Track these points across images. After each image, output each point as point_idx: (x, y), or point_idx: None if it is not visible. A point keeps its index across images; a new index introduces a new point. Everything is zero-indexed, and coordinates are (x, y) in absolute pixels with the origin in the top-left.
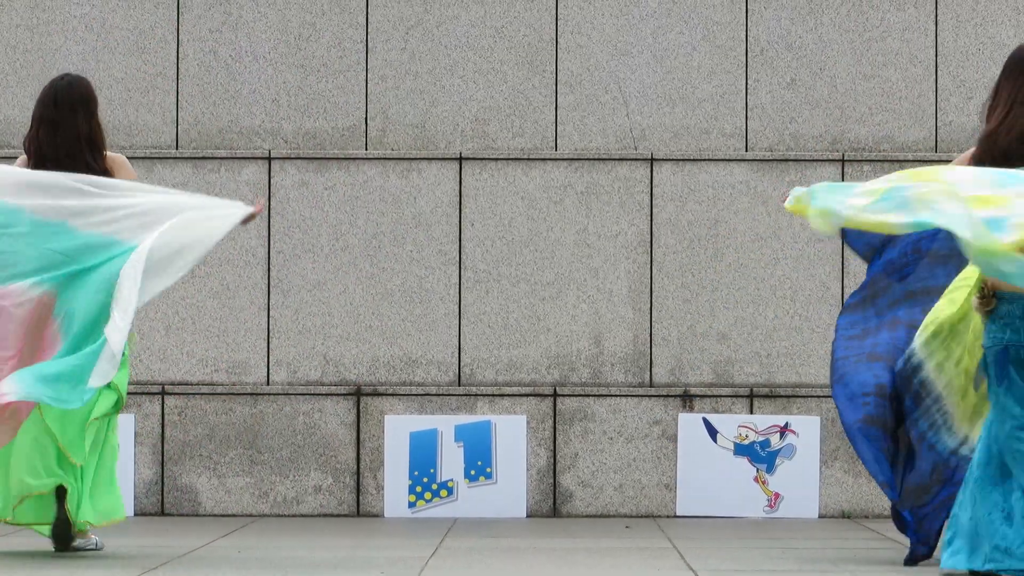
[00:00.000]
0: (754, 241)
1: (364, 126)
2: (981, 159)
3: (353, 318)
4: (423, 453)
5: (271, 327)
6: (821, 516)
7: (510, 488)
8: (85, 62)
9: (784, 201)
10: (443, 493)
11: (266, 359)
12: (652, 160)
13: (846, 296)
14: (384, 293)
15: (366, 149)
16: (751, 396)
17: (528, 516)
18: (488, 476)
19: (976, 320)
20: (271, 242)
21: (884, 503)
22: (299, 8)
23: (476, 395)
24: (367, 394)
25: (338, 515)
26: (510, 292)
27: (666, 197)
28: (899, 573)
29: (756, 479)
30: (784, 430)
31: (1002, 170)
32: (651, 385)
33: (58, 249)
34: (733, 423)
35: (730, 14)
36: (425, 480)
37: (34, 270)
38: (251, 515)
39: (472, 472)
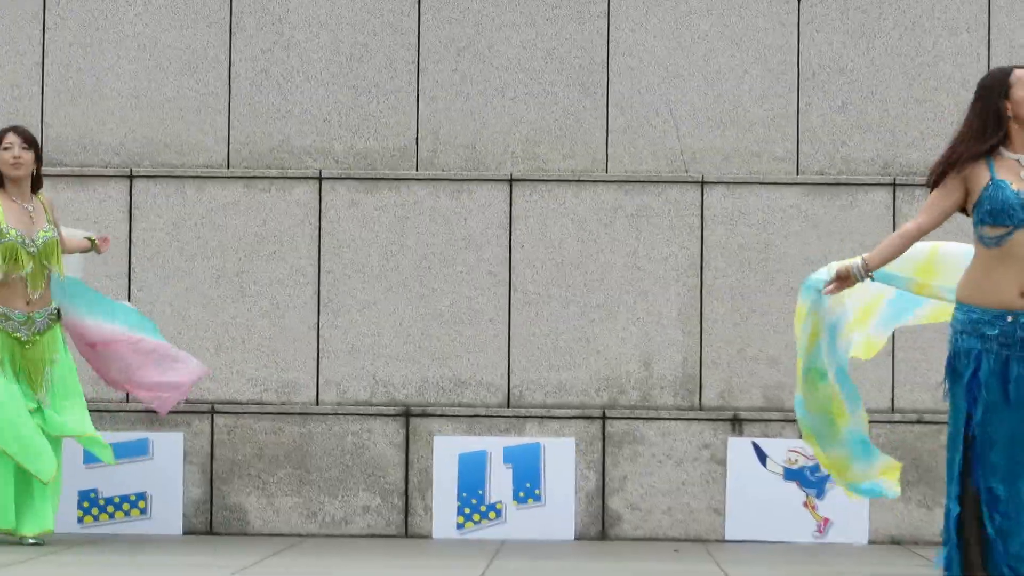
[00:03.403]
0: (805, 265)
1: (415, 146)
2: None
3: (402, 338)
4: (472, 474)
5: (320, 347)
6: (871, 542)
7: (558, 510)
8: (137, 80)
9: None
10: (491, 515)
11: (315, 379)
12: (703, 183)
13: None
14: (434, 314)
15: (416, 169)
16: None
17: (576, 539)
18: (537, 498)
19: None
20: (321, 262)
21: (933, 529)
22: (351, 29)
23: (525, 417)
24: (416, 415)
25: (386, 536)
26: (560, 314)
27: (716, 220)
28: None
29: (806, 504)
30: None
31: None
32: (700, 408)
33: None
34: (783, 448)
35: (781, 37)
36: (474, 502)
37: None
38: (299, 535)
39: (521, 494)
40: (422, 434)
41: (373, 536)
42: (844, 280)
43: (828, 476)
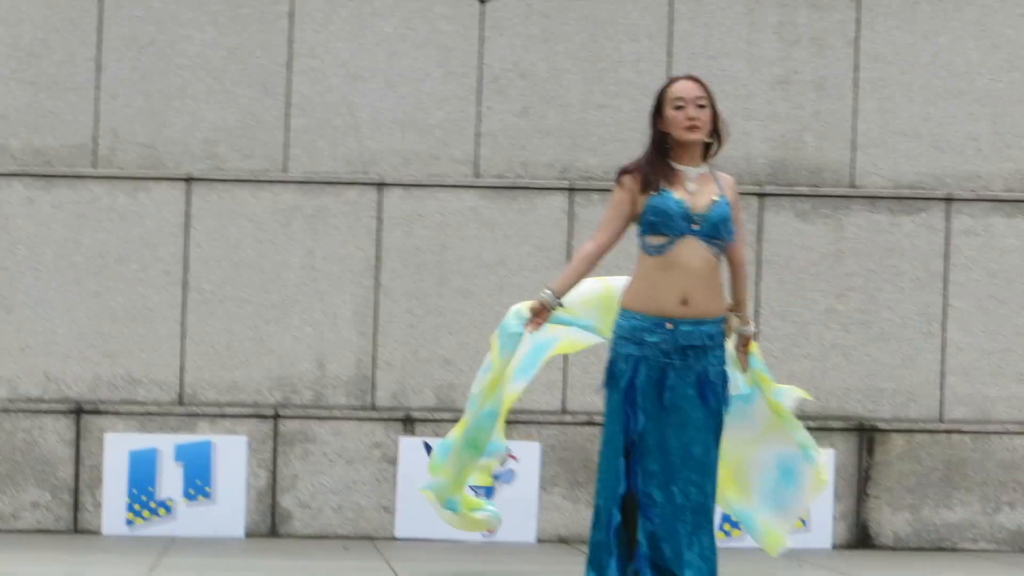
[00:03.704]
0: (480, 268)
1: (93, 144)
2: None
3: (76, 336)
4: (142, 471)
5: None
6: (539, 541)
7: (229, 508)
8: None
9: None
10: (162, 512)
11: None
12: (381, 185)
13: None
14: (108, 312)
15: (95, 167)
16: None
17: (247, 536)
18: (207, 496)
19: None
20: None
21: None
22: (31, 24)
23: (197, 415)
24: (88, 412)
25: (56, 532)
26: (235, 313)
27: (394, 222)
28: None
29: None
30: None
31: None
32: (373, 408)
33: None
34: None
35: (464, 41)
36: (144, 498)
37: None
38: None
39: (191, 491)
40: (93, 431)
41: (42, 532)
42: (540, 313)
43: (498, 476)
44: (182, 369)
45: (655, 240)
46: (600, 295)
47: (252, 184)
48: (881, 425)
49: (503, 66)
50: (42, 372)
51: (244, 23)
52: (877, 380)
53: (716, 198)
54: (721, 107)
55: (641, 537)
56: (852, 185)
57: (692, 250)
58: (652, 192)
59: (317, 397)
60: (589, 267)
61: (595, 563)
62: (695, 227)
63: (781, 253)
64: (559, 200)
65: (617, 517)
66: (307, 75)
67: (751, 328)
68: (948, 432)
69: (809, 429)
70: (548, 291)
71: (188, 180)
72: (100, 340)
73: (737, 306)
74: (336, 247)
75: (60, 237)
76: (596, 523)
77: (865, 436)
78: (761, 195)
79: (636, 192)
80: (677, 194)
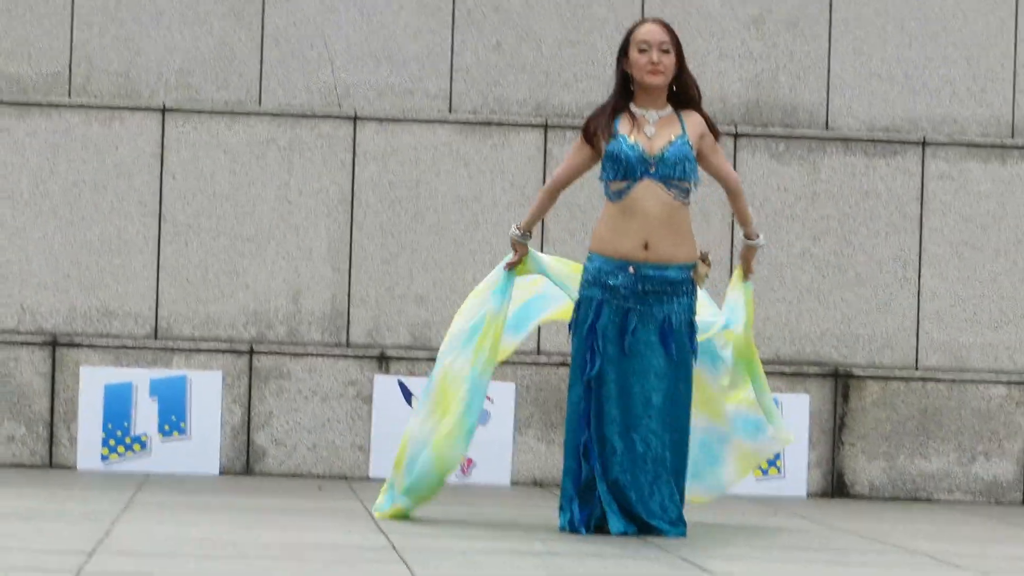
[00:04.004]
0: (455, 203)
1: (68, 73)
2: None
3: (51, 266)
4: (118, 406)
5: None
6: (513, 483)
7: (204, 444)
8: None
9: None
10: (136, 447)
11: None
12: (356, 119)
13: None
14: (83, 242)
15: (69, 96)
16: None
17: (221, 473)
18: (182, 431)
19: None
20: None
21: None
22: None
23: (172, 349)
24: (63, 344)
25: (31, 466)
26: (209, 246)
27: (368, 156)
28: (583, 541)
29: None
30: None
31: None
32: (348, 345)
33: None
34: None
35: None
36: (119, 433)
37: None
38: None
39: (166, 427)
40: (69, 364)
41: (17, 466)
42: (514, 247)
43: None
44: (157, 302)
45: (615, 186)
46: (572, 267)
47: (227, 116)
48: (856, 371)
49: (477, 0)
50: (17, 303)
51: None
52: (852, 325)
53: (673, 138)
54: (695, 45)
55: (600, 485)
56: (827, 127)
57: (651, 194)
58: (607, 138)
59: (291, 333)
60: (548, 199)
61: (563, 507)
62: (652, 169)
63: (756, 194)
64: (533, 136)
65: (578, 464)
66: (281, 6)
67: (760, 240)
68: (923, 380)
69: (783, 375)
70: (514, 228)
71: (163, 111)
72: (75, 271)
73: (743, 224)
74: (311, 180)
75: (35, 166)
76: (564, 468)
77: (840, 382)
78: (735, 135)
79: (596, 136)
80: (632, 138)
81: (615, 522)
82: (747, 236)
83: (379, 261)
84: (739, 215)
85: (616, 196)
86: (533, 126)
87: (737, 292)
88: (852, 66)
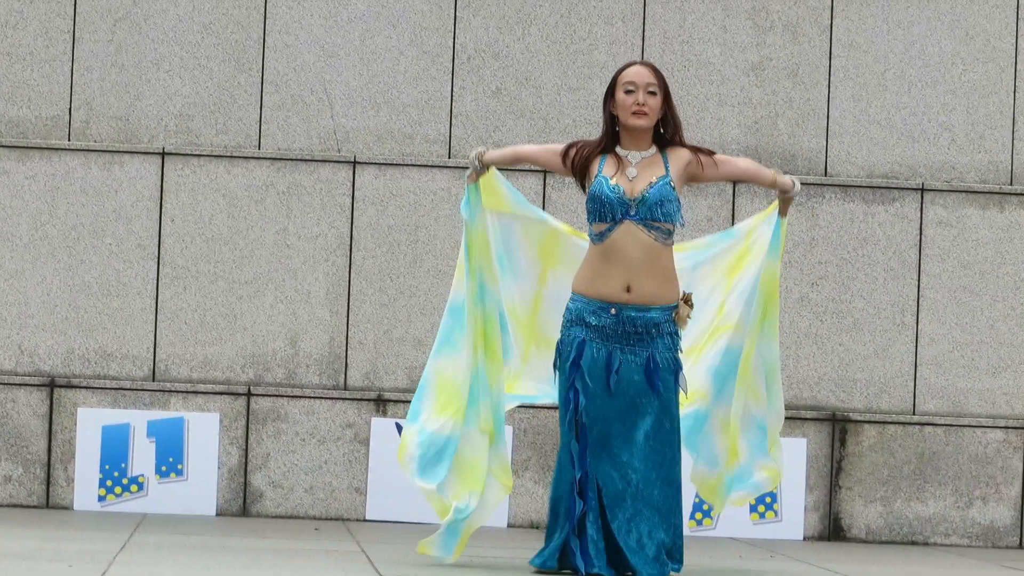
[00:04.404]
0: (454, 248)
1: (68, 116)
2: None
3: (49, 309)
4: (115, 447)
5: None
6: (510, 525)
7: (201, 485)
8: None
9: None
10: (133, 488)
11: None
12: (355, 163)
13: None
14: (82, 285)
15: (69, 140)
16: None
17: (218, 514)
18: (179, 473)
19: None
20: None
21: None
22: None
23: (170, 391)
24: (61, 385)
25: (27, 506)
26: (208, 289)
27: (367, 200)
28: None
29: None
30: None
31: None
32: (345, 388)
33: None
34: None
35: (438, 20)
36: (116, 474)
37: None
38: None
39: (163, 468)
40: (66, 405)
41: (14, 506)
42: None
43: None
44: (155, 344)
45: (597, 227)
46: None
47: (226, 159)
48: (853, 416)
49: (477, 46)
50: (15, 345)
51: None
52: (850, 370)
53: (655, 180)
54: (695, 92)
55: (589, 522)
56: (826, 173)
57: (632, 236)
58: (589, 177)
59: (289, 375)
60: (517, 158)
61: (549, 532)
62: (632, 211)
63: None
64: (532, 182)
65: (580, 504)
66: (281, 51)
67: (797, 187)
68: (921, 424)
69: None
70: (478, 151)
71: (162, 154)
72: (74, 313)
73: (776, 185)
74: (309, 225)
75: (34, 209)
76: (552, 510)
77: (837, 426)
78: (735, 181)
79: (572, 161)
80: (614, 180)
81: (600, 564)
82: (783, 190)
83: (377, 305)
84: (768, 183)
85: (598, 238)
86: (533, 172)
87: (772, 224)
88: (851, 113)
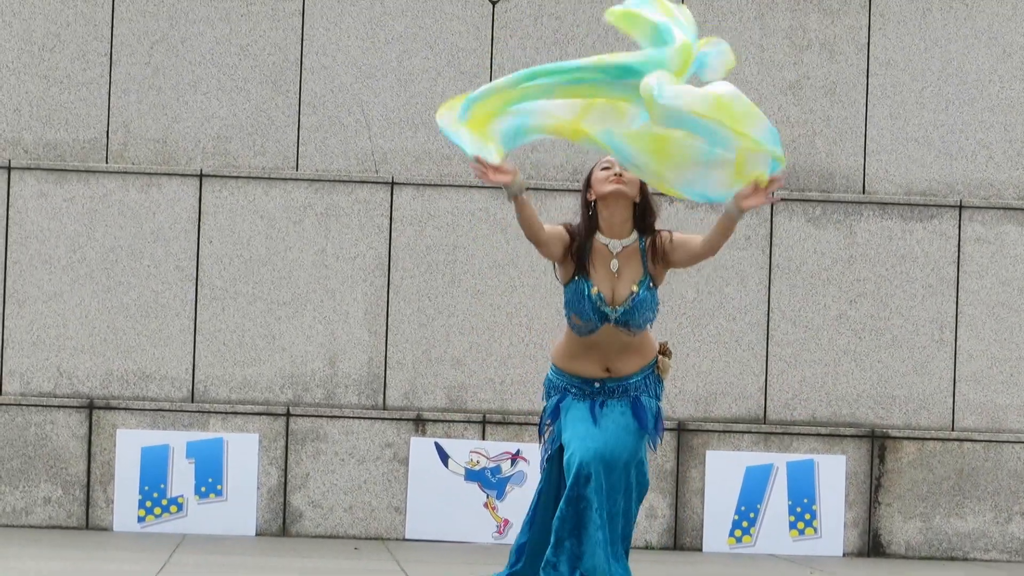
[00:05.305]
0: (492, 268)
1: (105, 139)
2: None
3: (88, 331)
4: (154, 468)
5: (5, 337)
6: None
7: (240, 506)
8: None
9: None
10: (173, 509)
11: None
12: (393, 184)
13: None
14: (120, 307)
15: (107, 162)
16: (484, 422)
17: (257, 534)
18: (219, 493)
19: None
20: (8, 252)
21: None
22: (44, 19)
23: (209, 412)
24: (100, 407)
25: (67, 527)
26: (246, 310)
27: (405, 221)
28: None
29: (486, 505)
30: (515, 457)
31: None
32: (384, 408)
33: None
34: (465, 448)
35: (475, 41)
36: (155, 495)
37: None
38: None
39: (203, 489)
40: (105, 427)
41: (53, 527)
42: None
43: (509, 478)
44: (194, 366)
45: (575, 320)
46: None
47: (264, 181)
48: (893, 432)
49: (514, 66)
50: (55, 367)
51: (256, 20)
52: (889, 387)
53: (636, 288)
54: None
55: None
56: (863, 191)
57: (611, 334)
58: (574, 275)
59: (328, 396)
60: (535, 216)
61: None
62: (612, 319)
63: (792, 258)
64: (570, 201)
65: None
66: (318, 73)
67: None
68: (960, 440)
69: (820, 436)
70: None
71: (200, 176)
72: (112, 335)
73: (729, 216)
74: (348, 245)
75: (72, 232)
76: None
77: (877, 443)
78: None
79: (572, 255)
80: (596, 282)
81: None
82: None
83: (416, 325)
84: (725, 221)
85: (577, 330)
86: (571, 191)
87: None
88: (889, 131)
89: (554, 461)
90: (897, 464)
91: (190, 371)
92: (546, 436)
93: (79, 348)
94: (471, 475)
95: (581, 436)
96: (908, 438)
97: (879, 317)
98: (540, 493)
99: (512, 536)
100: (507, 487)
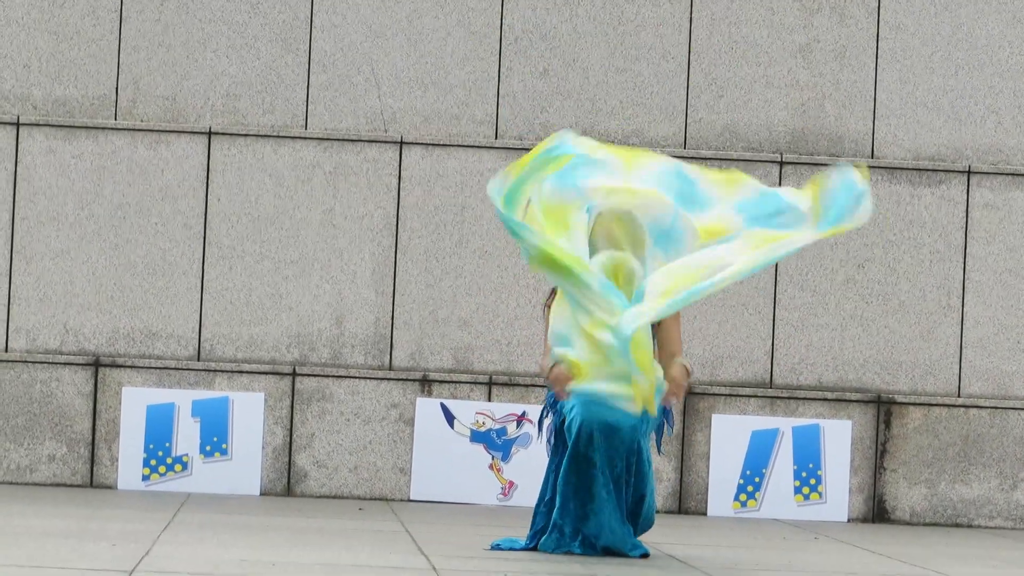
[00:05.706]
0: (500, 229)
1: (115, 96)
2: None
3: (95, 288)
4: (159, 427)
5: (11, 293)
6: None
7: (245, 465)
8: None
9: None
10: (177, 467)
11: (5, 325)
12: (402, 143)
13: None
14: (127, 264)
15: (115, 119)
16: (490, 384)
17: (262, 494)
18: (223, 452)
19: None
20: (15, 208)
21: None
22: None
23: (215, 371)
24: (106, 365)
25: (71, 485)
26: (253, 269)
27: (414, 181)
28: (626, 563)
29: (491, 466)
30: (521, 419)
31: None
32: (391, 368)
33: None
34: (471, 410)
35: (485, 1)
36: (160, 454)
37: None
38: None
39: (208, 448)
40: (111, 384)
41: (58, 485)
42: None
43: (514, 440)
44: (200, 324)
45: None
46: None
47: (272, 139)
48: (899, 398)
49: (524, 27)
50: (61, 324)
51: None
52: (895, 352)
53: None
54: (742, 74)
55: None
56: (872, 155)
57: None
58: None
59: (335, 355)
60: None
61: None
62: None
63: None
64: None
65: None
66: (328, 32)
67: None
68: (966, 407)
69: (826, 400)
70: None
71: (209, 134)
72: (119, 293)
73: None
74: (355, 205)
75: (80, 189)
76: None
77: (883, 409)
78: (781, 163)
79: None
80: None
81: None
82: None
83: (423, 285)
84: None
85: None
86: None
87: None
88: (898, 95)
89: (560, 437)
90: (903, 430)
91: (196, 329)
92: (547, 422)
93: (86, 305)
94: (476, 436)
95: (583, 403)
96: (914, 404)
97: (886, 282)
98: (551, 471)
99: (519, 498)
100: (512, 449)
